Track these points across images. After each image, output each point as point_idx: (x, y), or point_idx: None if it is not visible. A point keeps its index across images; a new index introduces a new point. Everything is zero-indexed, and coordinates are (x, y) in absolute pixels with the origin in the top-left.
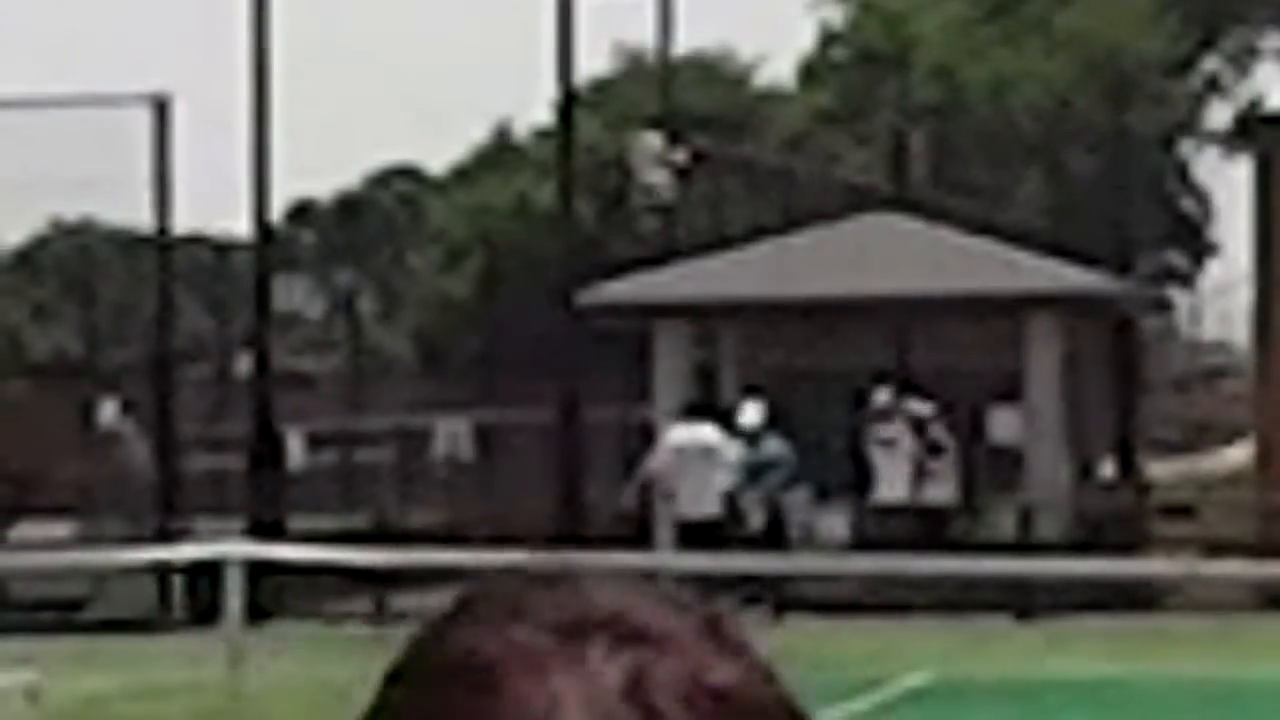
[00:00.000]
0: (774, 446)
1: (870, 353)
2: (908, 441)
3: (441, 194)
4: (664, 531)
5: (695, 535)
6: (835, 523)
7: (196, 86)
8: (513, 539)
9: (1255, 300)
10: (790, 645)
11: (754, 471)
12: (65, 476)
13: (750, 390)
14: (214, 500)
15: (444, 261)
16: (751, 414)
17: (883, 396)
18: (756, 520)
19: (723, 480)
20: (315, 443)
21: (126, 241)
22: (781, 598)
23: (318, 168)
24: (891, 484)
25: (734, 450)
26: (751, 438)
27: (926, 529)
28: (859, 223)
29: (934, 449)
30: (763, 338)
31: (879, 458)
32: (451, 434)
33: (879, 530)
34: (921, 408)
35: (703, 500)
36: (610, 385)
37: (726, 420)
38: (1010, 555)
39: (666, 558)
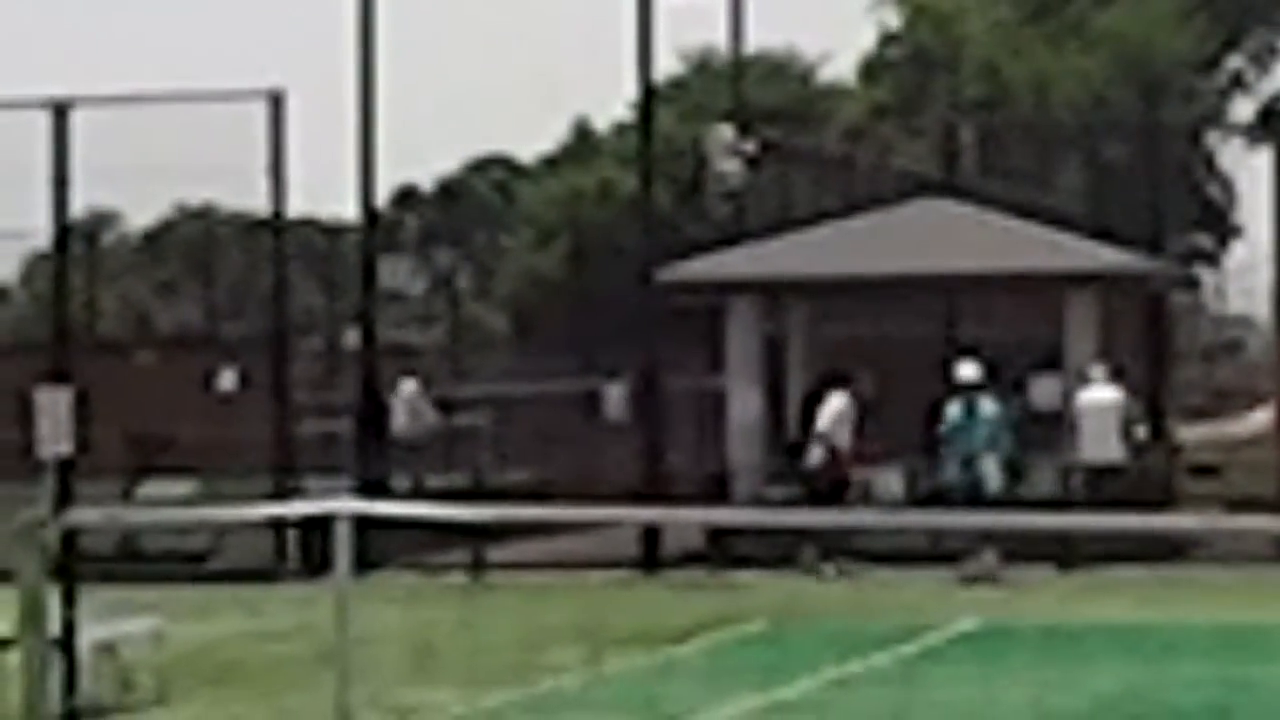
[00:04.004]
0: (989, 407)
1: (923, 325)
2: (1121, 406)
3: (532, 181)
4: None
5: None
6: (892, 480)
7: (309, 83)
8: (598, 496)
9: (1275, 278)
10: (854, 594)
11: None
12: (189, 439)
13: (965, 350)
14: (325, 461)
15: (535, 242)
16: (970, 371)
17: (1098, 370)
18: (994, 480)
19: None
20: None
21: (245, 225)
22: (847, 549)
23: (420, 157)
24: (1103, 444)
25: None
26: (971, 393)
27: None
28: (913, 207)
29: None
30: (826, 312)
31: (1088, 419)
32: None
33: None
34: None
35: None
36: (686, 356)
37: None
38: (1052, 511)
39: (732, 513)
